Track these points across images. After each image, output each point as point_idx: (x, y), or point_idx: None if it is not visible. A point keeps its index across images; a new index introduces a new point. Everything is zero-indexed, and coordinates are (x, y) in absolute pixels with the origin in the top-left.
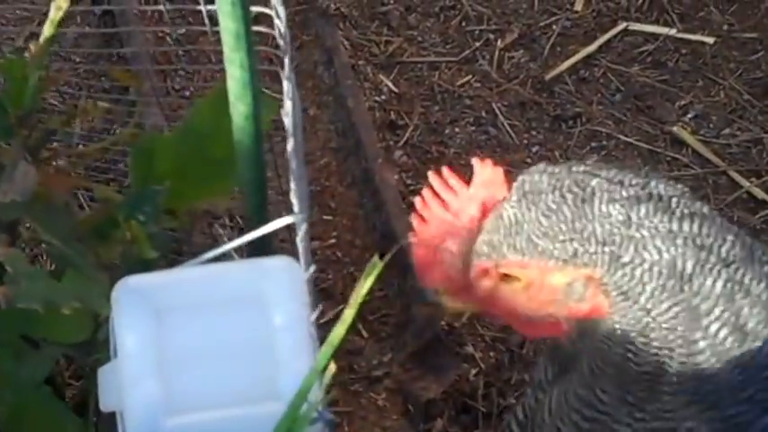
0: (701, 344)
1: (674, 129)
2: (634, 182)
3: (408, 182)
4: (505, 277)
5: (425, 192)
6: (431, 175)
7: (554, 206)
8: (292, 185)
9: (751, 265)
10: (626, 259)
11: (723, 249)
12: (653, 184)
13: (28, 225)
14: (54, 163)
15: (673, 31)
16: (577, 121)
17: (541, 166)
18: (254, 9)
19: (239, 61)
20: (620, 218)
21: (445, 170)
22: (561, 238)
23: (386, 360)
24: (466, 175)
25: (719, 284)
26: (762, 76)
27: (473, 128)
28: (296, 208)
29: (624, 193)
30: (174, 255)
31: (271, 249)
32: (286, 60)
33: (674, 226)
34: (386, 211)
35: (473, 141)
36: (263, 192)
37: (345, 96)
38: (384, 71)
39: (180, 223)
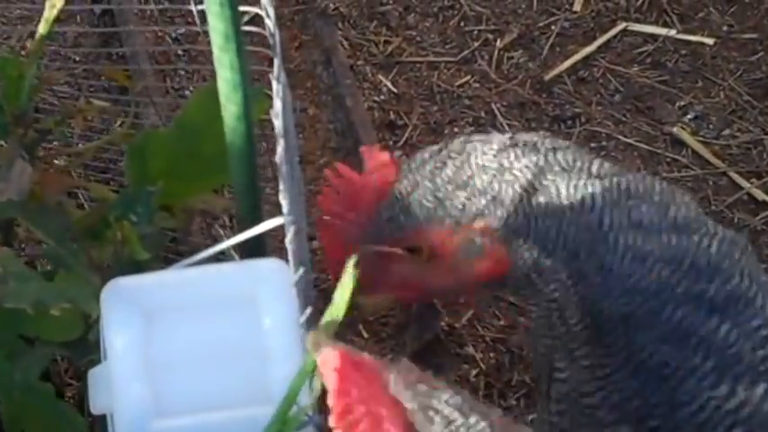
0: (608, 258)
1: (674, 130)
2: (502, 136)
3: None
4: (410, 252)
5: (324, 188)
6: (326, 171)
7: (437, 171)
8: (281, 186)
9: (626, 176)
10: (507, 200)
11: (593, 168)
12: (518, 135)
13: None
14: (52, 162)
15: (672, 32)
16: (576, 122)
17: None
18: (246, 9)
19: (229, 62)
20: (494, 166)
21: (338, 163)
22: (449, 196)
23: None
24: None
25: (599, 194)
26: (762, 76)
27: (472, 128)
28: (285, 209)
29: (495, 146)
30: (172, 255)
31: (264, 251)
32: (275, 61)
33: (539, 158)
34: None
35: None
36: (257, 193)
37: (344, 96)
38: (383, 71)
39: (176, 222)
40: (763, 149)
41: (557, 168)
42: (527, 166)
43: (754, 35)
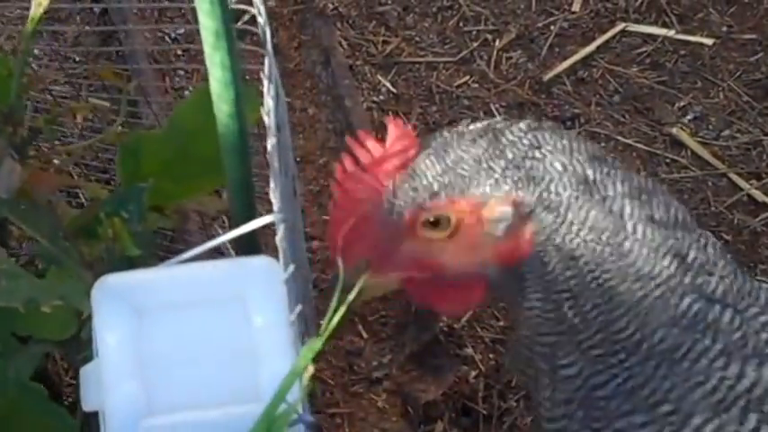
0: (628, 244)
1: (674, 130)
2: (527, 120)
3: None
4: (432, 226)
5: (343, 157)
6: (347, 139)
7: (470, 142)
8: (272, 184)
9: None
10: (539, 176)
11: (610, 159)
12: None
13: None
14: (51, 161)
15: (671, 33)
16: (576, 122)
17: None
18: (241, 7)
19: (220, 60)
20: (526, 142)
21: (359, 132)
22: (483, 166)
23: (386, 361)
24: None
25: (619, 185)
26: (761, 77)
27: None
28: (276, 206)
29: (523, 126)
30: (168, 254)
31: (258, 249)
32: (267, 58)
33: (572, 144)
34: None
35: None
36: (250, 191)
37: (343, 96)
38: (382, 71)
39: (170, 222)
40: (762, 150)
41: (585, 155)
42: (557, 147)
43: (753, 36)
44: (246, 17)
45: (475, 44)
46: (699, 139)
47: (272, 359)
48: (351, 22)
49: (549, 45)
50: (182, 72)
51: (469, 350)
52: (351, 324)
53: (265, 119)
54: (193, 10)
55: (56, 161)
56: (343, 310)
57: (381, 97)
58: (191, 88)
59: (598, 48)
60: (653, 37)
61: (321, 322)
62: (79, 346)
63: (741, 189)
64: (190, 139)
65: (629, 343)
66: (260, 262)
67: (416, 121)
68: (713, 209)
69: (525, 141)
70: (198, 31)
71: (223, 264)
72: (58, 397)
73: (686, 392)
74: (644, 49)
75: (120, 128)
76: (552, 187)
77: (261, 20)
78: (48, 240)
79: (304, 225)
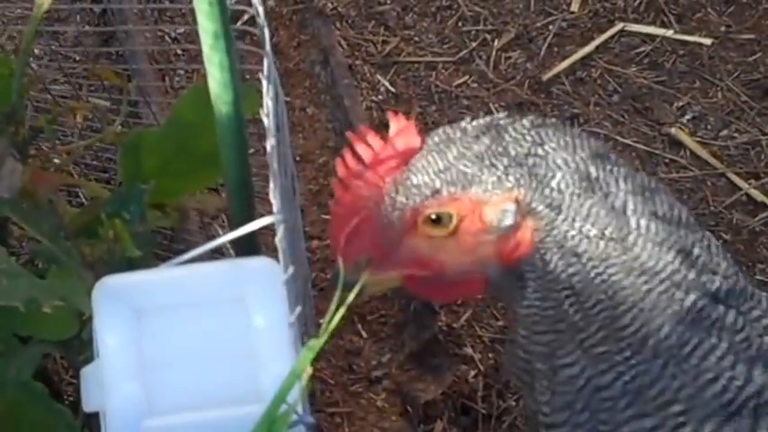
0: (632, 238)
1: (672, 130)
2: (530, 117)
3: None
4: (433, 223)
5: (344, 153)
6: (348, 134)
7: (473, 139)
8: (272, 184)
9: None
10: (542, 173)
11: (613, 156)
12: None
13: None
14: (52, 160)
15: (670, 32)
16: (575, 122)
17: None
18: (241, 8)
19: (219, 61)
20: (529, 139)
21: (360, 127)
22: (486, 163)
23: (385, 361)
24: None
25: (622, 182)
26: (760, 77)
27: None
28: (275, 207)
29: (526, 123)
30: (168, 254)
31: (257, 249)
32: (266, 58)
33: (575, 141)
34: None
35: None
36: (249, 191)
37: (342, 96)
38: (381, 71)
39: (170, 221)
40: (761, 150)
41: (588, 152)
42: (559, 143)
43: (752, 35)
44: (245, 18)
45: (474, 44)
46: (697, 138)
47: (272, 360)
48: (350, 21)
49: (547, 45)
50: (182, 72)
51: (469, 350)
52: (350, 324)
53: (264, 119)
54: (193, 10)
55: (56, 161)
56: (343, 309)
57: (380, 97)
58: None
59: (597, 48)
60: (651, 37)
61: (321, 322)
62: (80, 346)
63: (740, 189)
64: (189, 134)
65: (635, 340)
66: (260, 263)
67: (416, 120)
68: (712, 208)
69: (528, 138)
70: (198, 32)
71: (223, 265)
72: (58, 396)
73: (696, 392)
74: (642, 48)
75: (119, 127)
76: (554, 184)
77: (260, 20)
78: (49, 240)
79: (304, 224)
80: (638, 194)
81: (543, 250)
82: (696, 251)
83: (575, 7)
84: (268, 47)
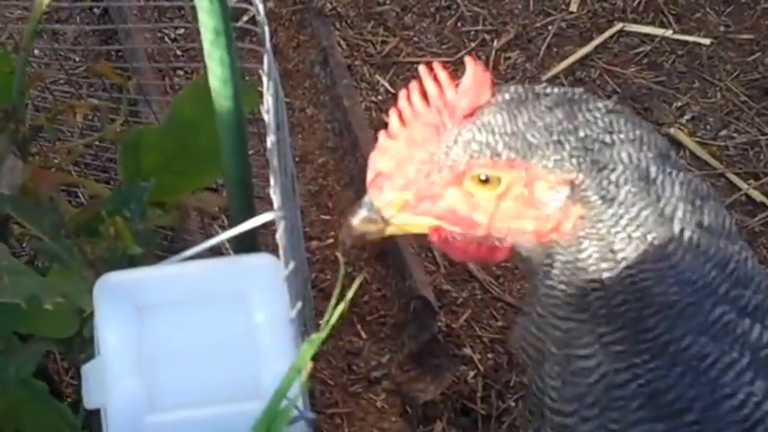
0: (672, 247)
1: (671, 130)
2: (608, 101)
3: None
4: (481, 183)
5: (412, 85)
6: (421, 68)
7: (546, 109)
8: (272, 181)
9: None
10: (604, 162)
11: (673, 157)
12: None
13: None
14: (52, 159)
15: (669, 33)
16: None
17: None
18: (241, 6)
19: (219, 58)
20: (602, 124)
21: (437, 65)
22: (554, 138)
23: (384, 361)
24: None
25: (677, 188)
26: (759, 77)
27: None
28: (276, 204)
29: (602, 106)
30: (169, 252)
31: (257, 247)
32: (266, 56)
33: (644, 136)
34: None
35: None
36: (249, 188)
37: (342, 96)
38: (380, 71)
39: (171, 219)
40: (760, 150)
41: (654, 151)
42: (627, 136)
43: (750, 35)
44: (246, 17)
45: (473, 44)
46: (697, 139)
47: (272, 356)
48: (349, 22)
49: (546, 45)
50: (181, 72)
51: (468, 350)
52: (350, 324)
53: (265, 117)
54: (193, 9)
55: (56, 159)
56: (342, 308)
57: (380, 97)
58: None
59: (596, 48)
60: (650, 37)
61: (320, 322)
62: (81, 344)
63: (739, 189)
64: (189, 131)
65: (656, 344)
66: (260, 259)
67: None
68: None
69: (600, 123)
70: (198, 31)
71: (224, 261)
72: (58, 395)
73: (712, 404)
74: (641, 49)
75: (119, 127)
76: (614, 177)
77: (260, 18)
78: (50, 238)
79: (303, 225)
80: (688, 202)
81: (582, 238)
82: (732, 265)
83: (574, 7)
84: (268, 44)
